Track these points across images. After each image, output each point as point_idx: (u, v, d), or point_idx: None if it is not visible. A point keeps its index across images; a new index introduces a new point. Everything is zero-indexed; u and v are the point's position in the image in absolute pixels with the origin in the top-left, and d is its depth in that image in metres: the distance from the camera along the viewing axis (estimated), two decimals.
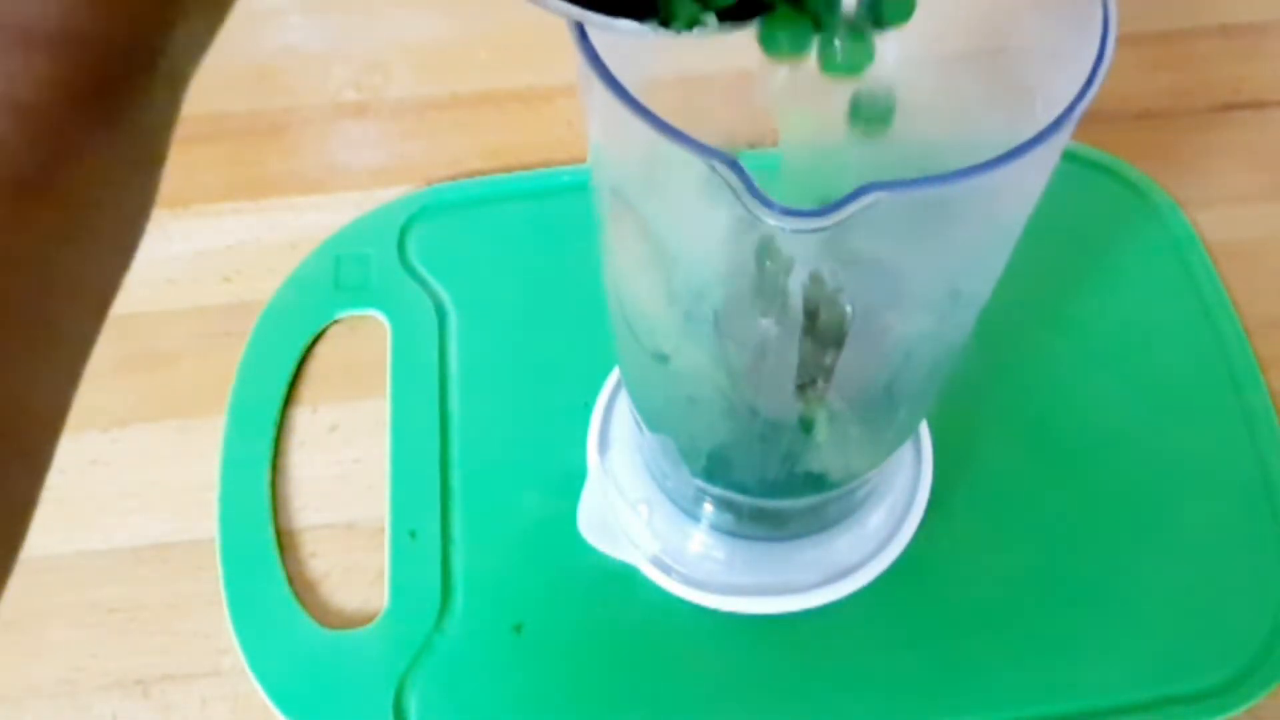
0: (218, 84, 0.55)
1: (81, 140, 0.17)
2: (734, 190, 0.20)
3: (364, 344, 0.46)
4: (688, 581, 0.40)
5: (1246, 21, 0.56)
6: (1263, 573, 0.41)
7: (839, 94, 0.31)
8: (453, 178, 0.51)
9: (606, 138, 0.26)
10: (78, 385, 0.20)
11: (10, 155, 0.16)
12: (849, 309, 0.25)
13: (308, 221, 0.50)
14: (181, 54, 0.18)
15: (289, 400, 0.45)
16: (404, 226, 0.49)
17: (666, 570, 0.40)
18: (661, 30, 0.20)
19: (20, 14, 0.15)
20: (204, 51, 0.18)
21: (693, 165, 0.21)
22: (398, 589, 0.41)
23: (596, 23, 0.20)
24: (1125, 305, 0.47)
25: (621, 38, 0.21)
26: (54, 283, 0.18)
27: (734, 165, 0.20)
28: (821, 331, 0.26)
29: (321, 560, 0.42)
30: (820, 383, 0.29)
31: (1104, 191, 0.50)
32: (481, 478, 0.43)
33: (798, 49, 0.22)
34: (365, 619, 0.40)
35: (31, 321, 0.17)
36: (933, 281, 0.26)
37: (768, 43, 0.22)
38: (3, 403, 0.17)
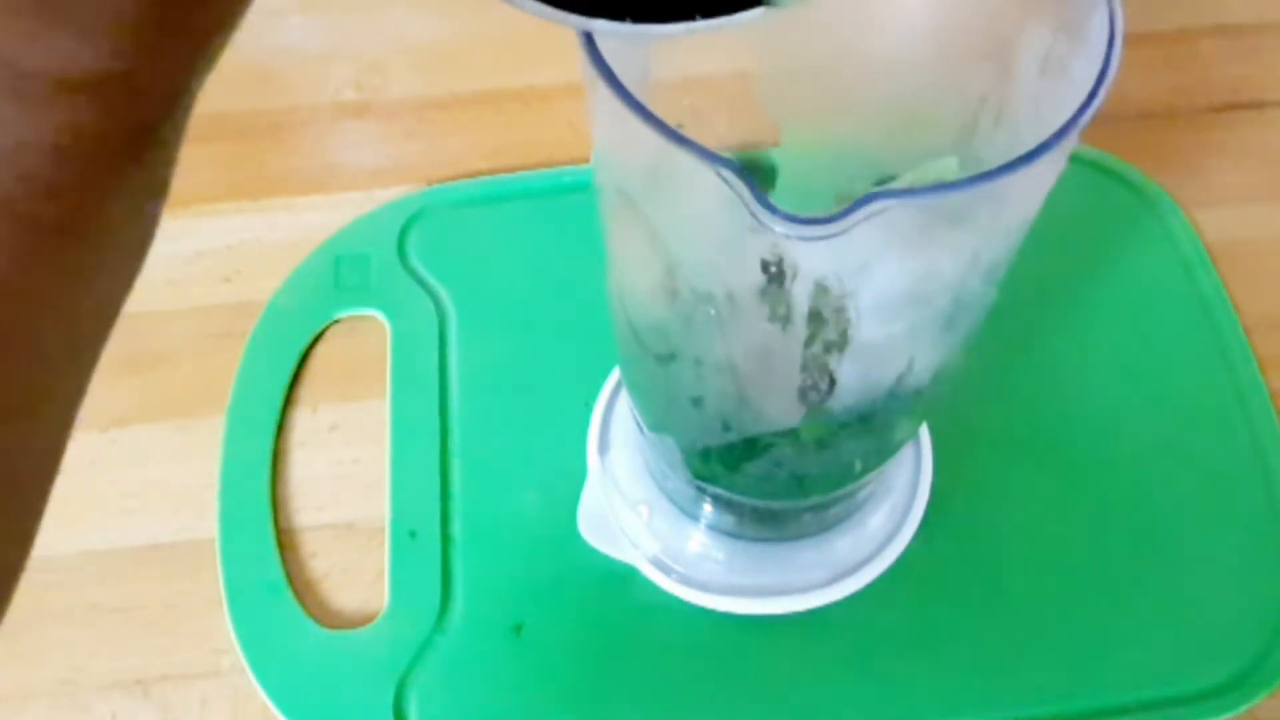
0: (218, 84, 0.55)
1: (113, 179, 0.18)
2: (739, 197, 0.20)
3: (364, 344, 0.46)
4: (687, 582, 0.40)
5: (1246, 21, 0.56)
6: (1263, 573, 0.41)
7: (839, 95, 0.31)
8: (453, 178, 0.51)
9: (610, 140, 0.26)
10: (72, 426, 0.20)
11: (53, 198, 0.17)
12: (853, 314, 0.25)
13: (308, 221, 0.49)
14: (196, 87, 0.18)
15: (289, 400, 0.45)
16: (404, 226, 0.49)
17: (666, 571, 0.40)
18: (645, 28, 0.20)
19: (60, 62, 0.16)
20: (204, 80, 0.19)
21: (697, 170, 0.21)
22: (398, 589, 0.41)
23: (574, 24, 0.20)
24: (1125, 305, 0.47)
25: (605, 38, 0.21)
26: (72, 314, 0.19)
27: (739, 172, 0.20)
28: (825, 336, 0.26)
29: (321, 560, 0.42)
30: (823, 387, 0.29)
31: (1104, 191, 0.50)
32: (481, 478, 0.43)
33: None
34: (365, 619, 0.40)
35: (45, 353, 0.18)
36: (936, 287, 0.26)
37: None
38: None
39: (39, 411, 0.19)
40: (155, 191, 0.19)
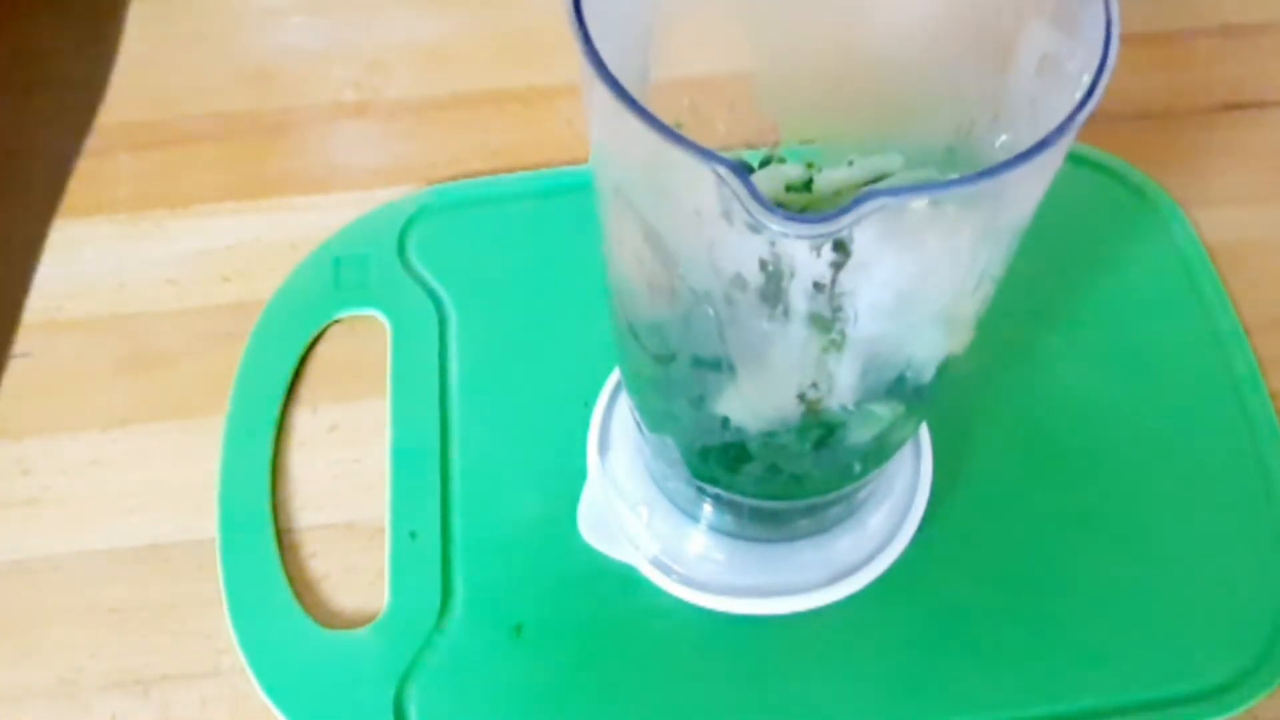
0: (218, 84, 0.56)
1: None
2: (736, 195, 0.20)
3: (364, 344, 0.46)
4: (687, 582, 0.40)
5: (1246, 21, 0.56)
6: (1263, 573, 0.41)
7: (837, 95, 0.31)
8: (453, 178, 0.51)
9: (608, 139, 0.26)
10: None
11: None
12: (851, 314, 0.25)
13: (308, 221, 0.49)
14: None
15: (289, 400, 0.45)
16: (404, 226, 0.49)
17: (666, 571, 0.40)
18: None
19: None
20: None
21: (695, 169, 0.21)
22: (398, 589, 0.41)
23: None
24: (1125, 305, 0.47)
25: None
26: None
27: (737, 170, 0.20)
28: (823, 335, 0.27)
29: (321, 560, 0.42)
30: (821, 387, 0.29)
31: (1104, 192, 0.50)
32: (481, 478, 0.43)
33: None
34: (365, 619, 0.40)
35: None
36: (934, 286, 0.26)
37: None
38: None
39: None
40: None
